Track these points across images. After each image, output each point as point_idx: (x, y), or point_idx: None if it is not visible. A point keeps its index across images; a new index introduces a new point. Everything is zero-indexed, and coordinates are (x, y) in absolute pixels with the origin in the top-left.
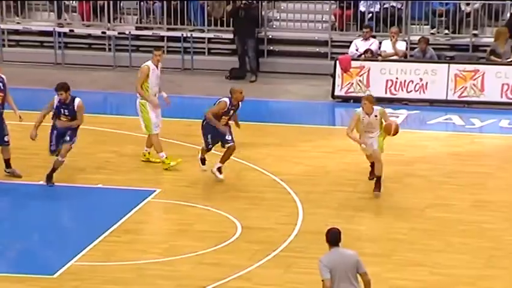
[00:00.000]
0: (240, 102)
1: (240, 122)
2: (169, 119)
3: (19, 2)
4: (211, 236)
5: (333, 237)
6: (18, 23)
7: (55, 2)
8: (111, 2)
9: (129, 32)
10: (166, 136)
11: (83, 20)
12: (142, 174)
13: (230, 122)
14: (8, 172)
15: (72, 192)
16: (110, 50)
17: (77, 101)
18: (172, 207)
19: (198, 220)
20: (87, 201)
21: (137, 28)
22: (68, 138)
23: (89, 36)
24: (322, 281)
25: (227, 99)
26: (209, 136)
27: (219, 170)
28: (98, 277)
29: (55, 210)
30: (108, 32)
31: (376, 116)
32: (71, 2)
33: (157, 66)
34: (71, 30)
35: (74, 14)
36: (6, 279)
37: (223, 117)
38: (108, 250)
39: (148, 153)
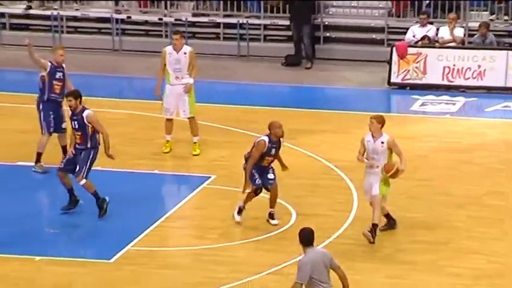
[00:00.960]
0: (281, 139)
1: (295, 109)
2: (224, 106)
3: None
4: (267, 223)
5: (307, 237)
6: (76, 9)
7: None
8: None
9: (186, 19)
10: (220, 122)
11: (140, 7)
12: (197, 160)
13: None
14: None
15: (128, 178)
16: (166, 36)
17: (87, 112)
18: (227, 193)
19: (253, 206)
20: (143, 187)
21: (194, 15)
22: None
23: (145, 22)
24: (296, 283)
25: (266, 138)
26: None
27: (272, 216)
28: (154, 262)
29: (112, 196)
30: (165, 19)
31: (382, 142)
32: None
33: (176, 50)
34: (128, 17)
35: (132, 0)
36: (66, 263)
37: (266, 158)
38: (164, 235)
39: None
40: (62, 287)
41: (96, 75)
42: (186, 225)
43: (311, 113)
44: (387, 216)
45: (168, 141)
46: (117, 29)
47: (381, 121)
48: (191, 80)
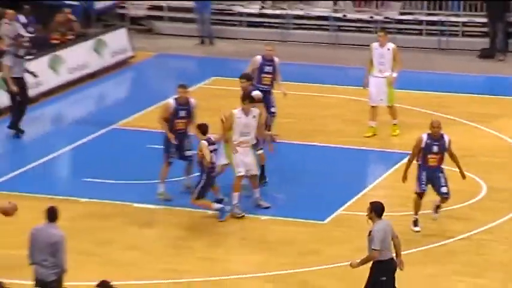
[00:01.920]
0: (446, 139)
1: (488, 96)
2: (425, 92)
3: None
4: (459, 195)
5: (379, 210)
6: (301, 9)
7: None
8: None
9: (394, 17)
10: (420, 106)
11: (354, 7)
12: (395, 139)
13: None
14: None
15: (340, 152)
16: (376, 32)
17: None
18: None
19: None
20: (352, 161)
21: (400, 13)
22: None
23: (358, 20)
24: (374, 250)
25: (424, 135)
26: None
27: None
28: (360, 224)
29: (325, 167)
30: (376, 17)
31: None
32: None
33: (381, 46)
34: (344, 16)
35: (348, 1)
36: (288, 223)
37: (429, 156)
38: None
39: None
40: (285, 242)
41: (317, 65)
42: (388, 195)
43: (503, 100)
44: None
45: (371, 127)
46: (334, 25)
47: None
48: (394, 74)
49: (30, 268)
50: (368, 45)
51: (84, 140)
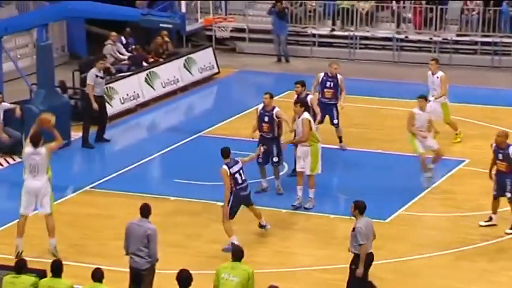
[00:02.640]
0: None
1: None
2: (480, 106)
3: (369, 15)
4: None
5: (362, 208)
6: (367, 31)
7: (395, 15)
8: (439, 15)
9: (451, 38)
10: (475, 119)
11: (415, 29)
12: (456, 147)
13: None
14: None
15: (399, 159)
16: (434, 51)
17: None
18: (479, 174)
19: None
20: (412, 166)
21: (457, 35)
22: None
23: (419, 41)
24: (362, 244)
25: (494, 144)
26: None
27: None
28: (421, 224)
29: (388, 172)
30: (435, 38)
31: None
32: (408, 15)
33: (432, 74)
34: (406, 37)
35: (409, 24)
36: (350, 220)
37: (498, 162)
38: (427, 204)
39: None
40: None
41: (381, 81)
42: (444, 198)
43: None
44: None
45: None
46: (397, 45)
47: None
48: (442, 99)
49: (126, 258)
50: (427, 63)
51: (175, 145)
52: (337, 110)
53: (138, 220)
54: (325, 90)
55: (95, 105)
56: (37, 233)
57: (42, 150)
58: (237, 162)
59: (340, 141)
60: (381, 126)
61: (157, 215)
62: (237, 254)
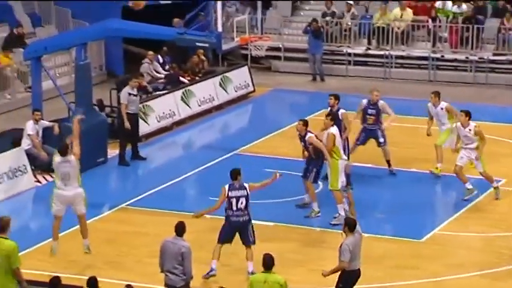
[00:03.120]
0: None
1: None
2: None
3: (405, 34)
4: None
5: (352, 225)
6: (403, 50)
7: (431, 34)
8: (474, 33)
9: (487, 57)
10: (507, 137)
11: (451, 48)
12: (493, 166)
13: None
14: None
15: (429, 179)
16: (470, 70)
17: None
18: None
19: None
20: (446, 186)
21: (494, 54)
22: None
23: (455, 60)
24: (342, 261)
25: None
26: None
27: None
28: (456, 244)
29: (422, 192)
30: (471, 57)
31: None
32: (444, 34)
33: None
34: (442, 56)
35: (445, 43)
36: (385, 240)
37: None
38: (463, 224)
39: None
40: (384, 257)
41: (416, 100)
42: (480, 217)
43: None
44: None
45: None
46: (433, 65)
47: None
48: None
49: (161, 275)
50: (463, 82)
51: (210, 163)
52: (381, 130)
53: (172, 238)
54: (368, 116)
55: (127, 124)
56: (73, 250)
57: (71, 158)
58: (243, 188)
59: (389, 165)
60: (416, 144)
61: (192, 233)
62: (267, 263)
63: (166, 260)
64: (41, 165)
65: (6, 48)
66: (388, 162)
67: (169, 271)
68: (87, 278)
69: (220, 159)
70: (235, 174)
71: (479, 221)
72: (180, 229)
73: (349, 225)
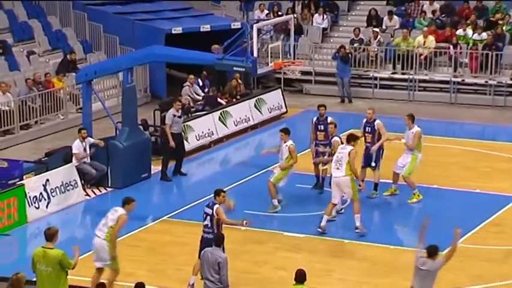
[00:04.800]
0: None
1: None
2: None
3: (428, 60)
4: None
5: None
6: (426, 74)
7: (453, 60)
8: (494, 59)
9: (505, 82)
10: None
11: (471, 73)
12: (509, 182)
13: None
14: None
15: (455, 194)
16: (490, 94)
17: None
18: None
19: None
20: (471, 200)
21: (511, 79)
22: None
23: (475, 84)
24: None
25: None
26: None
27: None
28: (477, 256)
29: (443, 206)
30: (490, 81)
31: None
32: (465, 60)
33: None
34: (463, 80)
35: (466, 68)
36: (410, 251)
37: None
38: (481, 237)
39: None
40: (410, 268)
41: (437, 121)
42: (498, 231)
43: None
44: None
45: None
46: (454, 88)
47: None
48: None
49: (201, 282)
50: (482, 105)
51: (245, 179)
52: (376, 154)
53: (212, 248)
54: (366, 135)
55: (172, 143)
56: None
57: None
58: (213, 206)
59: (375, 188)
60: (437, 162)
61: (228, 243)
62: (300, 276)
63: (205, 268)
64: (90, 180)
65: (60, 72)
66: (375, 185)
67: (207, 279)
68: (130, 284)
69: (254, 175)
70: (215, 192)
71: (497, 235)
72: (218, 240)
73: (429, 253)
